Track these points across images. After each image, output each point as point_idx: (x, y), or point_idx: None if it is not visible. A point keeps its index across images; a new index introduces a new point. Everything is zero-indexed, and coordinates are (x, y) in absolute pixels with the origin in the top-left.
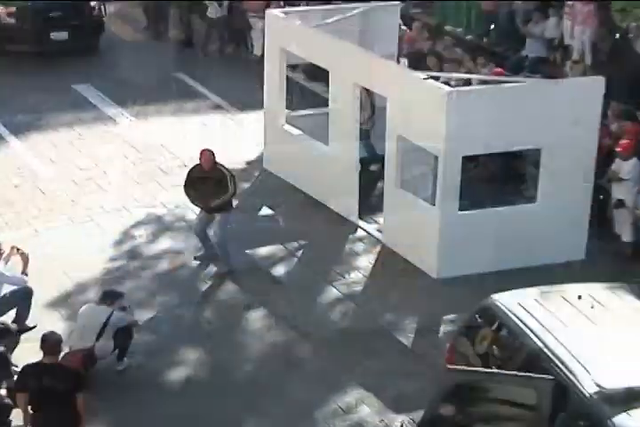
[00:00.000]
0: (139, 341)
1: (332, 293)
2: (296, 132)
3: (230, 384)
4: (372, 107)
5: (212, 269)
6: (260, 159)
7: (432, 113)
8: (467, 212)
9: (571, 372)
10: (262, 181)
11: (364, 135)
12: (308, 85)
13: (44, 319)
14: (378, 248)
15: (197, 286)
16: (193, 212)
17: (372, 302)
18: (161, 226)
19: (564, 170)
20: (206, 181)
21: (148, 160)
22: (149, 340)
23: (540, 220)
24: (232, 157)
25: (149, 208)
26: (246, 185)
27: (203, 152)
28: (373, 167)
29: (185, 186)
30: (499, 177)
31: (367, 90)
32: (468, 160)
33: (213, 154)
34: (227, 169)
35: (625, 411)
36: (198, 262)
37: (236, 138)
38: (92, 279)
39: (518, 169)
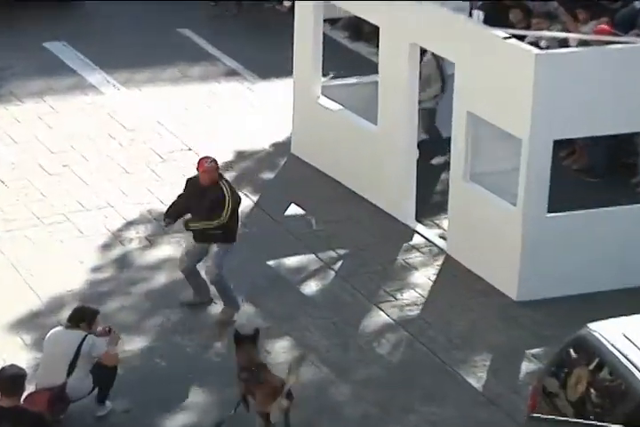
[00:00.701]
0: (126, 377)
1: (380, 318)
2: (335, 106)
3: None
4: (442, 80)
5: None
6: (287, 142)
7: (515, 83)
8: (558, 214)
9: None
10: (289, 169)
11: (427, 115)
12: (352, 46)
13: (3, 348)
14: (440, 260)
15: (204, 308)
16: None
17: (431, 331)
18: (158, 228)
19: None
20: (202, 198)
21: (141, 142)
22: (140, 377)
23: None
24: (250, 138)
25: (142, 205)
26: (269, 176)
27: (201, 162)
28: (438, 159)
29: (177, 200)
30: (601, 168)
31: (436, 56)
32: (560, 145)
33: (217, 165)
34: (230, 187)
35: None
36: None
37: (256, 113)
38: (68, 296)
39: (628, 158)
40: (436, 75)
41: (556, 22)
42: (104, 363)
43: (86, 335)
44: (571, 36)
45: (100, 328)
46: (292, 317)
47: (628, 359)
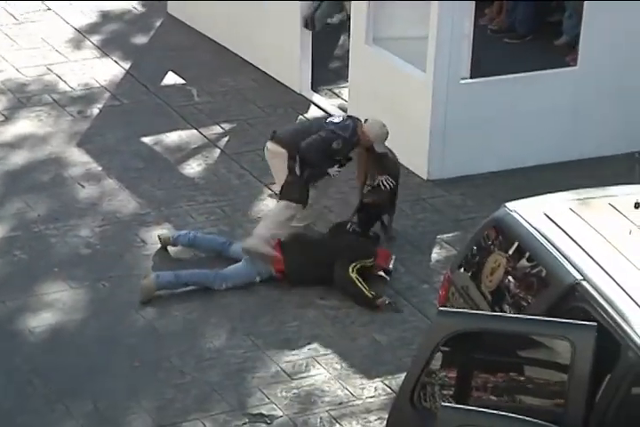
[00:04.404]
0: None
1: (272, 201)
2: None
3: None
4: None
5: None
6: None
7: None
8: (474, 80)
9: (621, 315)
10: (166, 33)
11: None
12: None
13: None
14: None
15: (69, 190)
16: (78, 88)
17: (330, 215)
18: (14, 101)
19: (616, 16)
20: None
21: None
22: None
23: (581, 92)
24: None
25: None
26: (142, 40)
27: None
28: (333, 18)
29: None
30: (523, 28)
31: None
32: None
33: None
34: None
35: None
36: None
37: None
38: None
39: (552, 15)
40: None
41: None
42: None
43: None
44: None
45: None
46: (172, 201)
47: (550, 242)
